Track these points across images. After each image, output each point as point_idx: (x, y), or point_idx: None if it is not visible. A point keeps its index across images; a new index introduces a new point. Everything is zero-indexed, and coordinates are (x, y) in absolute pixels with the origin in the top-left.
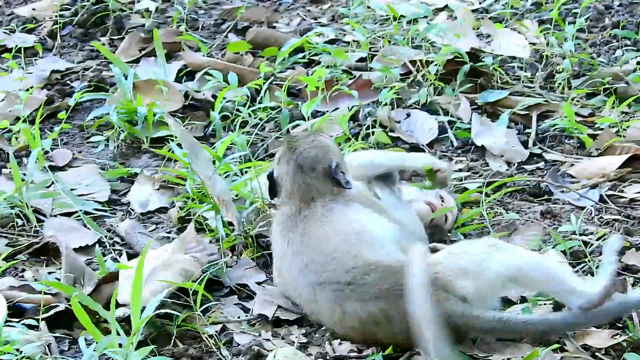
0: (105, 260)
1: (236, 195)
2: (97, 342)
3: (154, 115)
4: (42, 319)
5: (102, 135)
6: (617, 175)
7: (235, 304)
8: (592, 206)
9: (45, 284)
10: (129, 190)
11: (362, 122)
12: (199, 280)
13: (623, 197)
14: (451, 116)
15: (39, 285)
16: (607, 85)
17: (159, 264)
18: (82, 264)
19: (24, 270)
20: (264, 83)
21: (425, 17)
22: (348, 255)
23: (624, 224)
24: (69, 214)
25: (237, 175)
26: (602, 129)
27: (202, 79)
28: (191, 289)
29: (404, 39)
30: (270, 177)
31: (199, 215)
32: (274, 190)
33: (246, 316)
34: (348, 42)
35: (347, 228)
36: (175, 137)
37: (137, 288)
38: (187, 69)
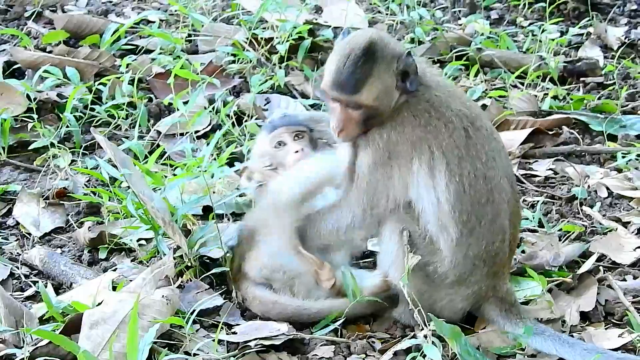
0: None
1: None
2: None
3: None
4: None
5: None
6: (521, 152)
7: (203, 336)
8: None
9: (38, 334)
10: (10, 211)
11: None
12: (186, 318)
13: (537, 176)
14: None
15: None
16: (456, 53)
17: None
18: (18, 303)
19: None
20: (118, 77)
21: None
22: None
23: (551, 205)
24: None
25: None
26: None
27: (32, 75)
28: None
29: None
30: None
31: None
32: None
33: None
34: (153, 22)
35: None
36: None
37: (133, 336)
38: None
